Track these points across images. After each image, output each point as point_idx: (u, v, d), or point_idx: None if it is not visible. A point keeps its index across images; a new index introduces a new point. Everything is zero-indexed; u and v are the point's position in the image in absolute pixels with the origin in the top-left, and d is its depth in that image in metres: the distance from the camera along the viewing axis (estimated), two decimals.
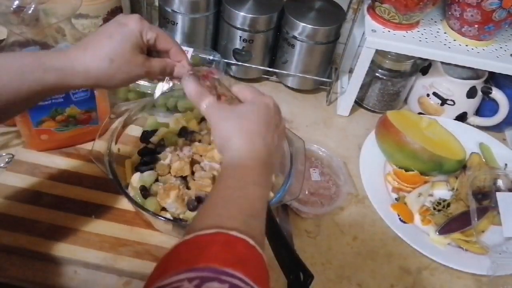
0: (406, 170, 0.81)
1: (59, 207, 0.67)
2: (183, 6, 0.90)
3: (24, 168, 0.72)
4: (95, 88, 0.55)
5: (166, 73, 0.57)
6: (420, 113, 0.96)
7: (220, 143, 0.51)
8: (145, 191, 0.66)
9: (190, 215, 0.64)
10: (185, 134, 0.73)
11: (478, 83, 0.91)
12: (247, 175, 0.47)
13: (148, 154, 0.70)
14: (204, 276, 0.34)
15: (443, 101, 0.93)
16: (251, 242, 0.39)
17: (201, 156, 0.70)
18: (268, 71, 0.99)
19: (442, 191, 0.82)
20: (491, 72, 0.88)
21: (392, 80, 0.93)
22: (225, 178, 0.47)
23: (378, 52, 0.86)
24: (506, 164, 0.85)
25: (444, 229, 0.74)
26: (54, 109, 0.70)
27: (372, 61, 0.87)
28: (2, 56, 0.49)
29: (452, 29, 0.87)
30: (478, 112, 0.97)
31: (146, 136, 0.74)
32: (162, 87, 0.63)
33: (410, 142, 0.80)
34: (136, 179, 0.67)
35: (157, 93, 0.64)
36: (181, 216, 0.64)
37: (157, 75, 0.57)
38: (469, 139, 0.89)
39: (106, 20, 0.90)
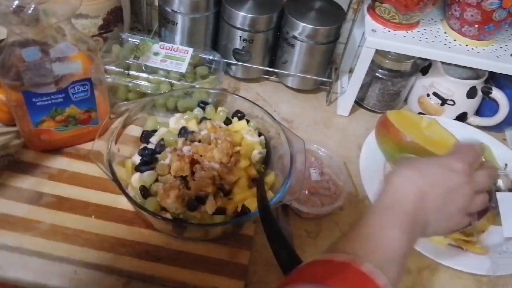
0: None
1: (59, 207, 0.67)
2: (183, 6, 0.90)
3: (24, 168, 0.72)
4: None
5: None
6: (420, 113, 0.96)
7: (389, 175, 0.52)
8: (145, 191, 0.66)
9: (190, 215, 0.64)
10: (185, 134, 0.73)
11: (478, 83, 0.91)
12: (395, 217, 0.47)
13: (148, 154, 0.70)
14: None
15: (443, 101, 0.93)
16: (380, 282, 0.40)
17: (201, 156, 0.70)
18: (268, 71, 0.99)
19: None
20: (491, 72, 0.88)
21: (392, 80, 0.93)
22: (372, 214, 0.48)
23: (378, 52, 0.86)
24: (506, 164, 0.85)
25: None
26: (54, 109, 0.70)
27: (372, 61, 0.87)
28: None
29: (452, 29, 0.87)
30: (478, 112, 0.97)
31: (146, 136, 0.74)
32: None
33: (410, 142, 0.80)
34: (136, 179, 0.67)
35: None
36: (181, 216, 0.64)
37: None
38: (469, 139, 0.89)
39: (106, 20, 0.90)
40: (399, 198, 0.48)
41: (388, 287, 0.40)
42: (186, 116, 0.78)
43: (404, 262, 0.45)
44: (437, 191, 0.49)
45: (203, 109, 0.79)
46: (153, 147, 0.72)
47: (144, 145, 0.73)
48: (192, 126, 0.75)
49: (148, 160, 0.70)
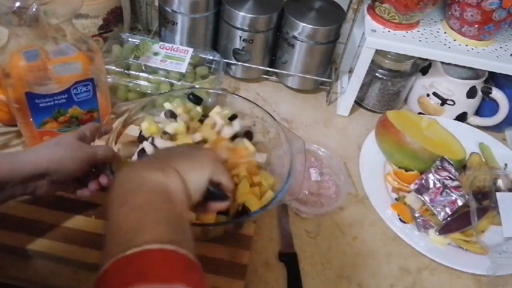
0: (406, 170, 0.81)
1: (59, 207, 0.67)
2: (183, 6, 0.90)
3: None
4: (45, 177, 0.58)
5: (109, 159, 0.62)
6: (420, 113, 0.96)
7: None
8: None
9: (190, 214, 0.64)
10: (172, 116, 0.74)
11: (478, 83, 0.91)
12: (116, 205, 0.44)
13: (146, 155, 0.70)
14: None
15: (443, 101, 0.93)
16: (181, 251, 0.38)
17: None
18: (268, 71, 0.99)
19: None
20: (491, 72, 0.88)
21: (392, 80, 0.93)
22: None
23: (378, 52, 0.86)
24: (506, 164, 0.85)
25: (444, 229, 0.74)
26: (56, 110, 0.70)
27: (372, 61, 0.87)
28: None
29: (452, 29, 0.87)
30: (478, 112, 0.97)
31: (143, 136, 0.74)
32: None
33: (410, 142, 0.80)
34: None
35: None
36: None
37: (102, 160, 0.62)
38: (469, 139, 0.89)
39: (106, 20, 0.90)
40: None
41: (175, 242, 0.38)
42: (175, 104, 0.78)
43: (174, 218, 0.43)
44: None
45: (194, 102, 0.78)
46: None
47: (141, 145, 0.73)
48: (180, 110, 0.76)
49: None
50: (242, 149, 0.74)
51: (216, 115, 0.76)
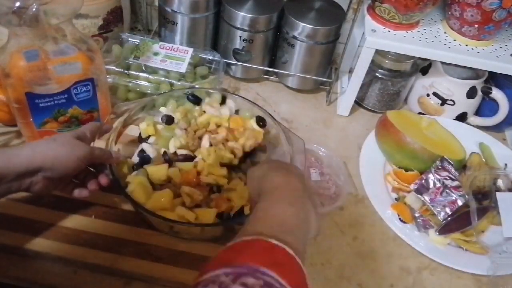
0: (406, 170, 0.81)
1: (59, 207, 0.67)
2: (183, 6, 0.90)
3: None
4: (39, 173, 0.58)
5: (106, 157, 0.64)
6: (420, 113, 0.96)
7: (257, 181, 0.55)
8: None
9: (189, 215, 0.64)
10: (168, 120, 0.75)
11: (478, 83, 0.91)
12: (280, 195, 0.49)
13: (143, 157, 0.71)
14: (240, 272, 0.36)
15: (443, 101, 0.93)
16: (290, 251, 0.40)
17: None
18: (268, 71, 0.99)
19: None
20: (491, 72, 0.88)
21: (392, 80, 0.93)
22: (262, 201, 0.49)
23: (378, 52, 0.86)
24: (506, 164, 0.85)
25: (444, 229, 0.74)
26: (57, 110, 0.70)
27: (372, 61, 0.87)
28: None
29: (452, 29, 0.87)
30: (478, 112, 0.97)
31: (142, 137, 0.75)
32: None
33: (410, 142, 0.80)
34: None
35: None
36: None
37: (99, 160, 0.63)
38: (469, 139, 0.89)
39: (106, 20, 0.90)
40: (278, 182, 0.51)
41: (298, 253, 0.41)
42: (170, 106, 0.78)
43: (302, 235, 0.46)
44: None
45: (193, 102, 0.79)
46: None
47: (141, 146, 0.73)
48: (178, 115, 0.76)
49: (141, 162, 0.70)
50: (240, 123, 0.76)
51: (207, 106, 0.77)
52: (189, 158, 0.70)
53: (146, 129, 0.74)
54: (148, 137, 0.75)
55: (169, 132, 0.74)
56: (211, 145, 0.72)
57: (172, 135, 0.73)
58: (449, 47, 0.85)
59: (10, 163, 0.54)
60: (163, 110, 0.77)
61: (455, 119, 0.95)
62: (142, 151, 0.72)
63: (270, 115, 0.76)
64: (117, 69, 0.84)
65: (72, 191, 0.64)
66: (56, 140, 0.58)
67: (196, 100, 0.78)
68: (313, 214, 0.51)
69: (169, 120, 0.74)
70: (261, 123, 0.77)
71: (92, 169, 0.65)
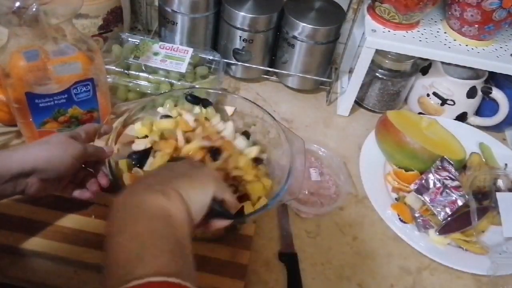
0: (406, 170, 0.81)
1: (58, 207, 0.67)
2: (183, 6, 0.90)
3: None
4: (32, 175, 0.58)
5: (100, 154, 0.63)
6: (420, 113, 0.96)
7: None
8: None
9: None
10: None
11: (478, 83, 0.91)
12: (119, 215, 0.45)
13: (136, 158, 0.70)
14: None
15: (443, 101, 0.93)
16: (185, 284, 0.36)
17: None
18: (268, 71, 0.99)
19: None
20: (491, 72, 0.88)
21: (392, 80, 0.93)
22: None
23: (378, 52, 0.86)
24: (506, 164, 0.85)
25: (444, 229, 0.74)
26: (56, 110, 0.70)
27: (372, 61, 0.87)
28: None
29: (452, 29, 0.87)
30: (478, 112, 0.97)
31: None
32: None
33: (410, 142, 0.80)
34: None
35: None
36: None
37: (92, 158, 0.62)
38: (469, 139, 0.89)
39: (106, 20, 0.90)
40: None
41: (169, 274, 0.37)
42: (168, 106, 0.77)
43: (177, 249, 0.41)
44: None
45: (192, 102, 0.78)
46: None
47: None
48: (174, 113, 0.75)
49: (136, 162, 0.69)
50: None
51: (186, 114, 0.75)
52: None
53: (140, 130, 0.74)
54: (145, 137, 0.74)
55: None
56: None
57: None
58: (449, 47, 0.85)
59: (4, 165, 0.54)
60: (161, 110, 0.77)
61: (455, 119, 0.95)
62: (135, 152, 0.71)
63: (270, 115, 0.76)
64: (117, 69, 0.84)
65: (71, 192, 0.64)
66: (49, 141, 0.58)
67: (195, 101, 0.78)
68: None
69: None
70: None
71: (90, 169, 0.65)
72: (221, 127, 0.74)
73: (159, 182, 0.48)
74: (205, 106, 0.77)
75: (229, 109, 0.79)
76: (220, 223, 0.54)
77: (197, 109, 0.78)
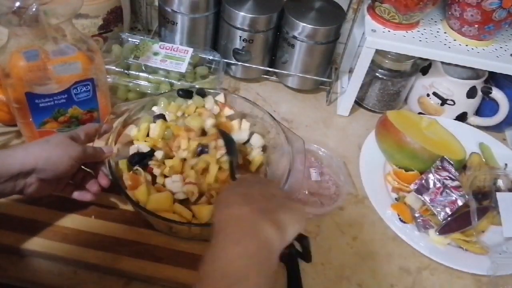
0: (406, 170, 0.81)
1: (59, 207, 0.67)
2: (183, 6, 0.90)
3: None
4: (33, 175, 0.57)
5: (99, 155, 0.64)
6: (420, 113, 0.96)
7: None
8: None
9: (185, 212, 0.64)
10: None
11: (478, 83, 0.91)
12: (226, 233, 0.46)
13: (135, 161, 0.70)
14: None
15: (443, 101, 0.93)
16: None
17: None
18: (268, 71, 0.99)
19: None
20: (491, 72, 0.88)
21: (392, 80, 0.93)
22: (212, 240, 0.46)
23: (378, 52, 0.86)
24: (506, 164, 0.85)
25: (444, 229, 0.74)
26: (56, 110, 0.70)
27: (372, 61, 0.87)
28: None
29: (452, 29, 0.87)
30: (478, 112, 0.97)
31: None
32: None
33: (410, 142, 0.80)
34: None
35: None
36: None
37: (92, 159, 0.63)
38: (469, 139, 0.89)
39: (106, 20, 0.90)
40: (226, 216, 0.48)
41: None
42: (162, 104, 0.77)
43: (254, 272, 0.43)
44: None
45: (183, 97, 0.78)
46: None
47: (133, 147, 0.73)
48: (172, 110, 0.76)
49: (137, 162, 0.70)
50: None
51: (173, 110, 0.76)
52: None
53: (137, 135, 0.74)
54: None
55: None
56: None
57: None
58: (449, 47, 0.85)
59: (3, 164, 0.54)
60: (155, 109, 0.77)
61: (455, 119, 0.95)
62: (136, 153, 0.71)
63: (270, 115, 0.76)
64: (117, 69, 0.84)
65: (71, 193, 0.64)
66: (49, 141, 0.58)
67: (187, 95, 0.78)
68: (278, 227, 0.46)
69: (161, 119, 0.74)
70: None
71: (89, 170, 0.65)
72: (216, 110, 0.76)
73: (270, 209, 0.48)
74: (202, 96, 0.78)
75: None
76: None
77: (189, 102, 0.78)
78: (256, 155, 0.75)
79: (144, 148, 0.71)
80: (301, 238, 0.53)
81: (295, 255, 0.60)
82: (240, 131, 0.77)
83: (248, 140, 0.77)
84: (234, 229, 0.45)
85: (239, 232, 0.45)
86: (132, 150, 0.71)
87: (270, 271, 0.44)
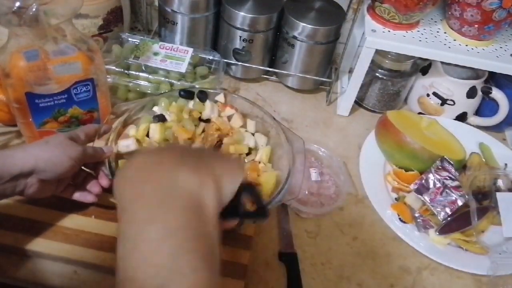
0: (406, 170, 0.81)
1: (59, 207, 0.67)
2: (183, 6, 0.90)
3: None
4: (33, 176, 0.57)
5: (99, 155, 0.63)
6: (420, 113, 0.96)
7: None
8: None
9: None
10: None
11: (478, 83, 0.91)
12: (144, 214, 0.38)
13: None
14: None
15: (443, 101, 0.93)
16: None
17: None
18: (268, 71, 0.99)
19: None
20: (491, 72, 0.88)
21: (392, 80, 0.93)
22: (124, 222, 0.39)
23: (378, 52, 0.86)
24: (506, 164, 0.85)
25: (444, 229, 0.74)
26: (56, 110, 0.70)
27: (372, 61, 0.87)
28: None
29: (452, 29, 0.87)
30: (478, 112, 0.97)
31: None
32: None
33: (410, 142, 0.80)
34: None
35: None
36: None
37: (92, 159, 0.62)
38: (469, 139, 0.89)
39: (106, 20, 0.90)
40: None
41: None
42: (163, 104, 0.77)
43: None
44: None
45: (185, 97, 0.78)
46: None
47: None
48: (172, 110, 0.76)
49: None
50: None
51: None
52: None
53: (136, 134, 0.73)
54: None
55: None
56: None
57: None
58: (449, 47, 0.85)
59: (4, 164, 0.54)
60: (156, 109, 0.77)
61: (455, 119, 0.95)
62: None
63: (270, 115, 0.76)
64: (117, 69, 0.84)
65: (72, 194, 0.64)
66: (49, 142, 0.58)
67: (188, 96, 0.77)
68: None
69: (161, 119, 0.74)
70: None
71: (89, 171, 0.65)
72: (214, 114, 0.76)
73: (192, 155, 0.39)
74: (201, 100, 0.77)
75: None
76: (231, 223, 0.46)
77: (191, 104, 0.78)
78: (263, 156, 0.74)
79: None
80: (247, 189, 0.42)
81: (247, 217, 0.46)
82: (248, 135, 0.75)
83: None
84: (144, 201, 0.34)
85: (151, 201, 0.34)
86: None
87: (206, 242, 0.33)
